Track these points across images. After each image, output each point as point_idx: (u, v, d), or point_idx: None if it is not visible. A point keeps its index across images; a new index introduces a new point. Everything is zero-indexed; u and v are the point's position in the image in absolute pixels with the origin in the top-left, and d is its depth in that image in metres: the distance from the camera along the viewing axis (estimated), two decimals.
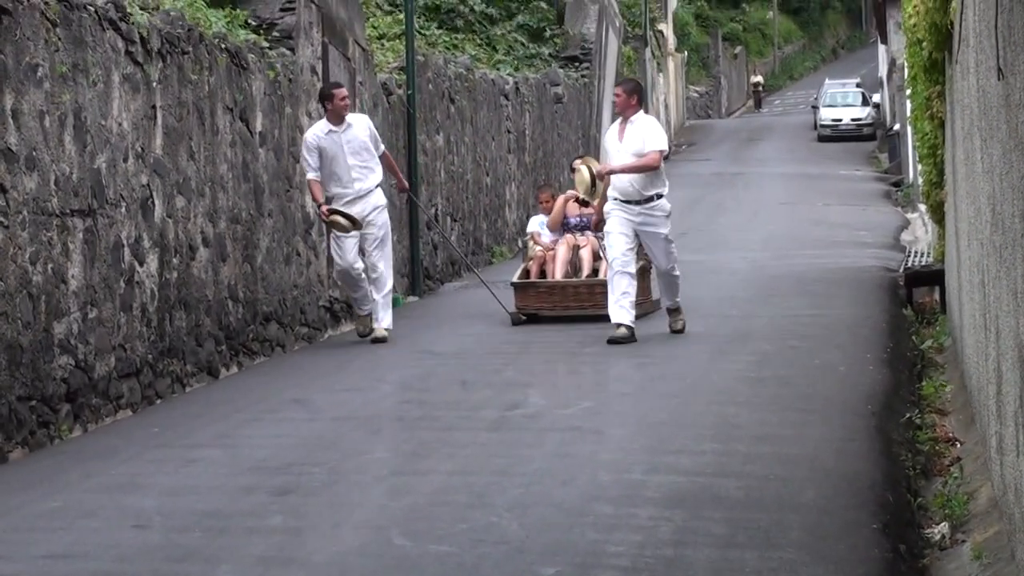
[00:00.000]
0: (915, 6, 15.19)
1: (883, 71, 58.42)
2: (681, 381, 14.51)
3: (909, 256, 24.85)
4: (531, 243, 19.75)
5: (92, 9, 13.09)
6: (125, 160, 13.68)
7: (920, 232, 30.10)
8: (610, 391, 14.09)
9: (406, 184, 18.95)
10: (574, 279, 18.84)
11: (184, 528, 9.27)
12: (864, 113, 61.78)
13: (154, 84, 14.26)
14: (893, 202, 38.66)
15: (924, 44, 14.93)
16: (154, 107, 14.28)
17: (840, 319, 18.59)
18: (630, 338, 16.23)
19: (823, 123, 62.66)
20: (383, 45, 26.11)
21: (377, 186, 16.75)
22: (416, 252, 23.76)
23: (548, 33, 39.24)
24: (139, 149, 13.98)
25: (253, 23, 17.75)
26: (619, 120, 17.33)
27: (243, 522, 9.46)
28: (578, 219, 19.56)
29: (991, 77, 7.92)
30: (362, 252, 16.76)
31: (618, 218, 16.46)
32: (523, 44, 36.93)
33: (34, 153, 12.08)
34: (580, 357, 16.28)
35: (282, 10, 18.27)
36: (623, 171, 16.42)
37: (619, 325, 16.23)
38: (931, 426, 12.38)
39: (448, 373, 15.31)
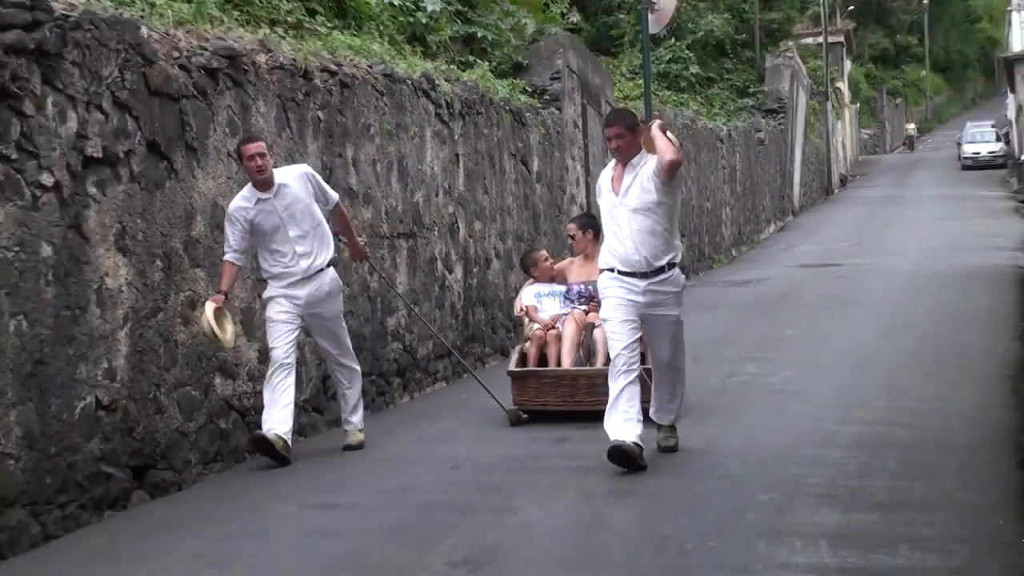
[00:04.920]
0: None
1: (1012, 114, 56.75)
2: (860, 355, 14.29)
3: None
4: (527, 320, 11.68)
5: (410, 82, 13.29)
6: (436, 195, 13.87)
7: None
8: (811, 363, 13.88)
9: (362, 247, 10.84)
10: (588, 367, 10.91)
11: (488, 469, 9.42)
12: (997, 147, 59.95)
13: (456, 137, 14.41)
14: (1021, 216, 37.53)
15: None
16: (457, 155, 14.43)
17: (981, 306, 18.13)
18: (639, 456, 8.76)
19: (965, 156, 61.00)
20: (627, 103, 26.05)
21: (330, 263, 9.78)
22: None
23: (752, 90, 38.97)
24: (446, 187, 14.15)
25: (529, 89, 17.84)
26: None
27: (533, 464, 9.54)
28: (583, 287, 11.52)
29: None
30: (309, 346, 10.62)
31: (618, 299, 9.00)
32: (732, 100, 36.70)
33: (369, 191, 12.30)
34: (779, 339, 15.98)
35: (551, 79, 18.32)
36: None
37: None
38: None
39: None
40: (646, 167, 9.04)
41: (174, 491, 8.98)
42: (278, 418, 9.43)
